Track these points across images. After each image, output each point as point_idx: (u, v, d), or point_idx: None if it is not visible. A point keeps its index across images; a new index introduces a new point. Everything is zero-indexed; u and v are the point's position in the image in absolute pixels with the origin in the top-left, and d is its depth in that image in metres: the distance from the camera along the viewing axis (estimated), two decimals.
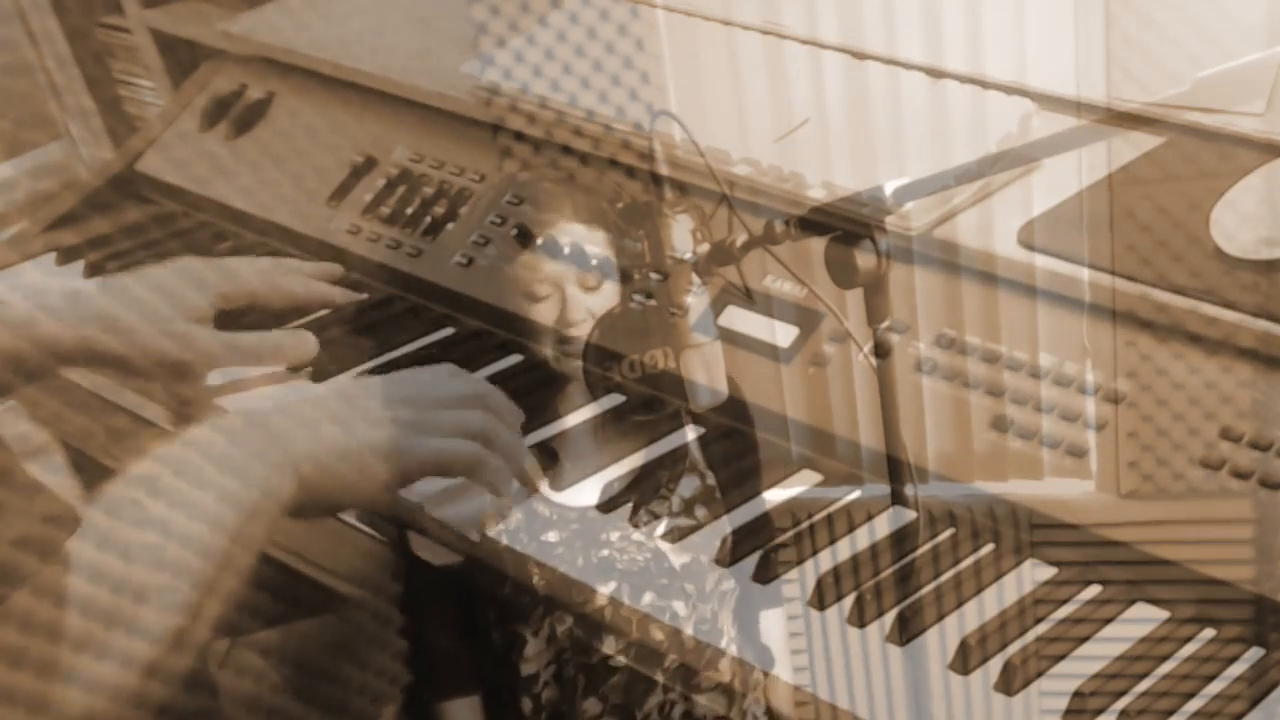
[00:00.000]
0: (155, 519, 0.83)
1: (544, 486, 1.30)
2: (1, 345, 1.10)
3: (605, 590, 1.28)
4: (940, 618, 1.11)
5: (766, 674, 1.30)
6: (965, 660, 1.07)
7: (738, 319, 1.33)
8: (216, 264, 1.31)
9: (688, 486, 1.30)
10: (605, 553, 1.30)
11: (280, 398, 1.04)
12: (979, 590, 1.13)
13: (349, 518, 1.49)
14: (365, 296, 1.48)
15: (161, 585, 0.80)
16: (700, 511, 1.29)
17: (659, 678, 1.37)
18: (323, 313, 1.45)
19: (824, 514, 1.21)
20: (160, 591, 0.80)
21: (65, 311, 1.15)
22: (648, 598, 1.29)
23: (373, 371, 1.43)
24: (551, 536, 1.32)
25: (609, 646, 1.39)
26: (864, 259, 1.15)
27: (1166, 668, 1.05)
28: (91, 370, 1.39)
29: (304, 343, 1.28)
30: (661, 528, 1.26)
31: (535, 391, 1.36)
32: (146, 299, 1.17)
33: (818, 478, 1.26)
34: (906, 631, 1.10)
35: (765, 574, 1.18)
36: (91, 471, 1.66)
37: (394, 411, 1.01)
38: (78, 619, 0.75)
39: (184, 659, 0.81)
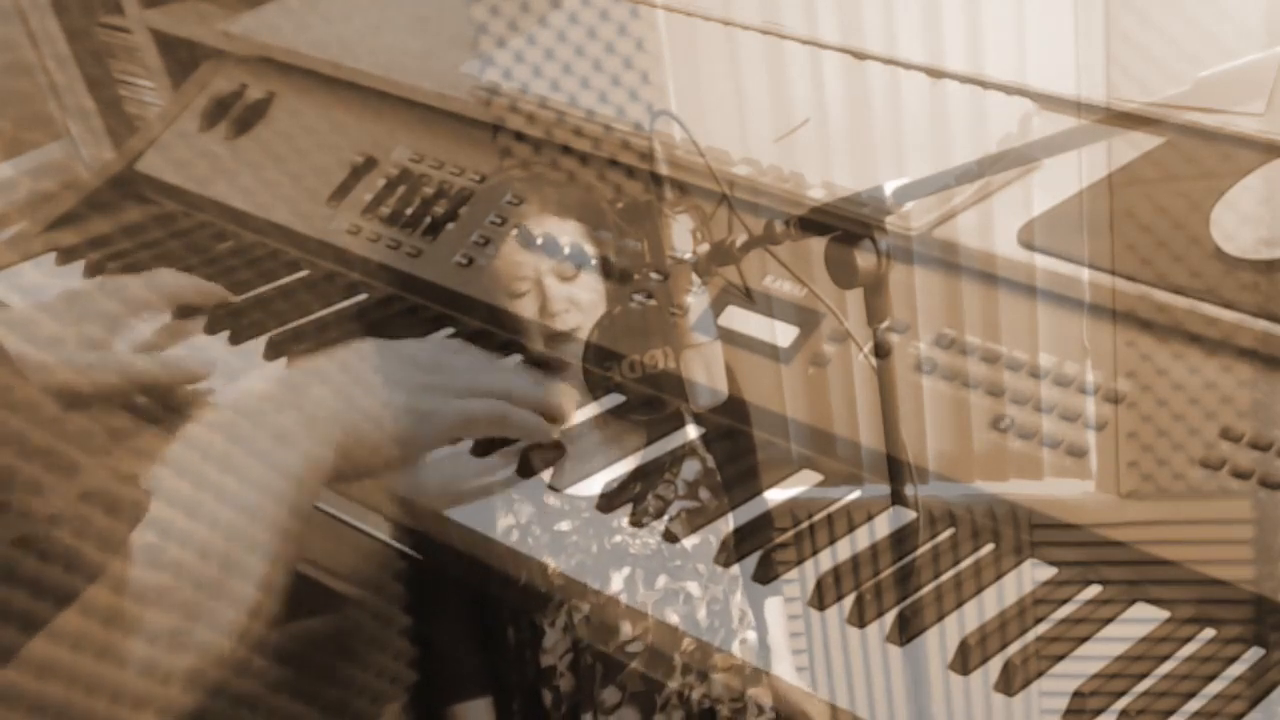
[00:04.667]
0: (217, 486, 0.83)
1: (549, 478, 1.30)
2: None
3: (620, 575, 1.29)
4: (940, 618, 1.11)
5: (767, 673, 1.30)
6: (965, 660, 1.07)
7: (738, 319, 1.33)
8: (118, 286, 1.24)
9: (689, 470, 1.31)
10: (618, 539, 1.31)
11: (307, 367, 1.01)
12: (979, 590, 1.13)
13: (349, 517, 1.49)
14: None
15: (236, 559, 0.82)
16: (704, 494, 1.30)
17: (676, 661, 1.37)
18: (325, 312, 1.45)
19: (824, 514, 1.21)
20: (238, 564, 0.82)
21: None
22: (662, 581, 1.30)
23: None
24: (564, 526, 1.33)
25: (625, 634, 1.40)
26: (864, 259, 1.15)
27: (1166, 668, 1.05)
28: None
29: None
30: (669, 514, 1.27)
31: None
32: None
33: (818, 478, 1.26)
34: (906, 631, 1.10)
35: (765, 574, 1.18)
36: None
37: (413, 374, 1.01)
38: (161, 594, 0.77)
39: (261, 627, 0.84)
